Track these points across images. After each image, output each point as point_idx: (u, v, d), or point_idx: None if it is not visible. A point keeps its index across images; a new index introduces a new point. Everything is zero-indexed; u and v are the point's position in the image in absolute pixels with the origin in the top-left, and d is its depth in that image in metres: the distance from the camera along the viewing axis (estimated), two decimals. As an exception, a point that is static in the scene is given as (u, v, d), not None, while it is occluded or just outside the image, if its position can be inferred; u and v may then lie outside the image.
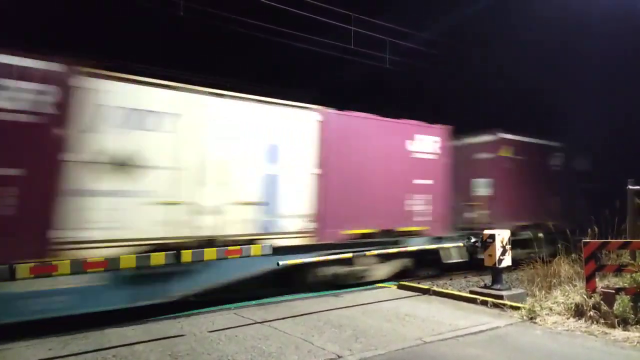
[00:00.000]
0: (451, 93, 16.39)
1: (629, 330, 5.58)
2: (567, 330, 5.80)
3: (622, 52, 14.64)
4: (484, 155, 11.74)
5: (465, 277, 10.05)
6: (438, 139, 10.43)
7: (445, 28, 14.91)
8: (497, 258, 7.51)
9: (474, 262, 10.03)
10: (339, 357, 4.91)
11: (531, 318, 6.28)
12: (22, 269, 5.56)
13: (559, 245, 7.90)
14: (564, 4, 13.57)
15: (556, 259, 7.91)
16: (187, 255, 6.76)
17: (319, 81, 14.54)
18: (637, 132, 14.33)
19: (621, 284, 6.62)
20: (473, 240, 8.21)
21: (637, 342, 5.24)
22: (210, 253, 6.97)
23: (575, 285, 6.90)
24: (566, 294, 6.68)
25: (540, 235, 10.38)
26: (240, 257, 7.25)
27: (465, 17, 14.99)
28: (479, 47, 15.58)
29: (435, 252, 10.10)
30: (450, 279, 9.89)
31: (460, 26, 15.30)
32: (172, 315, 6.64)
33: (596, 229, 7.43)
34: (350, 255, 8.58)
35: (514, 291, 7.44)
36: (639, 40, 13.52)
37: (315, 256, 8.14)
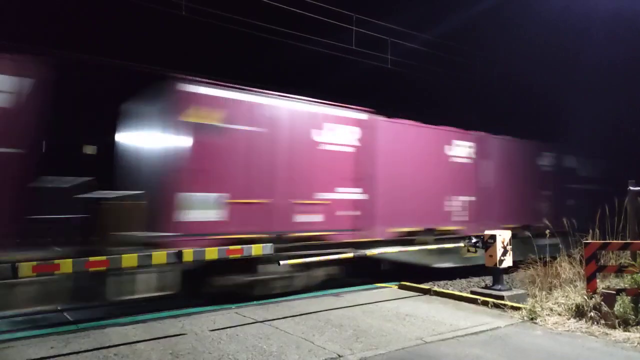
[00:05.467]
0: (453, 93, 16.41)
1: (629, 331, 5.58)
2: (568, 330, 5.81)
3: (622, 53, 14.64)
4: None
5: (466, 277, 10.06)
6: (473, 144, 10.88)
7: (446, 28, 14.93)
8: (497, 258, 7.52)
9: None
10: (340, 356, 4.93)
11: (532, 318, 6.29)
12: (25, 267, 5.57)
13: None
14: (567, 5, 13.58)
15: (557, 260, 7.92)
16: (188, 255, 6.77)
17: (320, 81, 14.55)
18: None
19: (622, 284, 6.63)
20: (474, 240, 8.21)
21: (638, 343, 5.24)
22: (211, 253, 6.98)
23: (576, 286, 6.90)
24: (567, 294, 6.69)
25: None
26: (241, 256, 7.26)
27: (466, 18, 15.01)
28: (481, 48, 15.61)
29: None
30: (451, 280, 9.90)
31: (462, 26, 15.32)
32: (173, 314, 6.66)
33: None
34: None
35: (514, 292, 7.45)
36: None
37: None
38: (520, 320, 6.31)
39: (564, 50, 15.93)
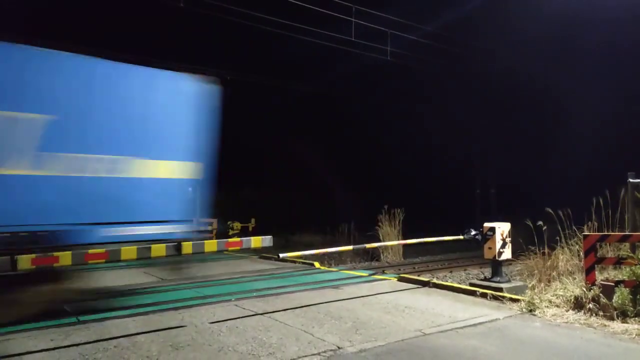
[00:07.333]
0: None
1: (627, 323, 5.60)
2: (566, 322, 5.83)
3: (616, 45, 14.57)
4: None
5: (465, 270, 10.10)
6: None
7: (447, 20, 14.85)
8: (497, 251, 7.53)
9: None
10: (339, 348, 4.94)
11: (530, 310, 6.30)
12: (24, 260, 5.57)
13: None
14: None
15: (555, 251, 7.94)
16: (187, 247, 6.78)
17: (319, 73, 14.50)
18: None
19: (620, 276, 6.64)
20: (473, 233, 8.21)
21: (636, 335, 5.26)
22: (210, 245, 6.99)
23: (574, 278, 6.92)
24: (565, 286, 6.70)
25: None
26: (240, 249, 7.27)
27: (467, 10, 14.92)
28: (481, 39, 15.54)
29: None
30: (450, 272, 9.94)
31: (462, 19, 15.25)
32: (172, 307, 6.67)
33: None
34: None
35: (513, 283, 7.47)
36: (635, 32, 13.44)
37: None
38: (519, 312, 6.33)
39: (564, 42, 15.88)
